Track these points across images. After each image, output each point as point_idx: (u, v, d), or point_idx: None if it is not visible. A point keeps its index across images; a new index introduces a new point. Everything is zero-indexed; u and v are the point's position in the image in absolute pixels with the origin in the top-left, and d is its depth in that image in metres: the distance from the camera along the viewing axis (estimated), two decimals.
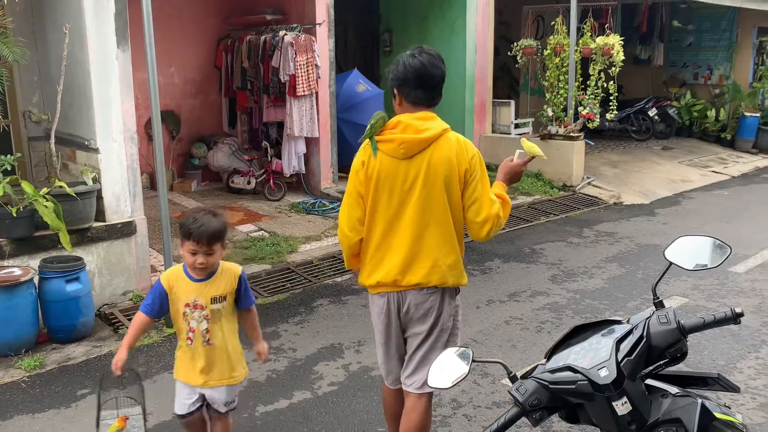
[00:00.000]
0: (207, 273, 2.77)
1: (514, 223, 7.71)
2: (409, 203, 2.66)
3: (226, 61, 8.87)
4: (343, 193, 2.97)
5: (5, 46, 4.67)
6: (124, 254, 5.25)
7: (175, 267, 2.85)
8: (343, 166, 8.90)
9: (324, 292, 5.64)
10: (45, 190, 4.74)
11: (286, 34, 7.82)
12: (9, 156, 4.77)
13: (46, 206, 4.61)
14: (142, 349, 4.54)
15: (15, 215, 4.63)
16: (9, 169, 4.79)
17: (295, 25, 7.99)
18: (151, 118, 4.95)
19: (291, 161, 8.23)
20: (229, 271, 2.85)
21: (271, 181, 8.25)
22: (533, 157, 2.89)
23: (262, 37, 8.15)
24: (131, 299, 5.26)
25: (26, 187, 4.63)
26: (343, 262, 6.27)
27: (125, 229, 5.24)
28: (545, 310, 5.16)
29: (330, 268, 6.14)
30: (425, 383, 2.52)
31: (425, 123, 2.66)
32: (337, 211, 7.77)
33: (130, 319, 4.96)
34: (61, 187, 4.78)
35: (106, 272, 5.16)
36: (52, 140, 5.16)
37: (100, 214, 5.16)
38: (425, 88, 2.67)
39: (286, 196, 8.31)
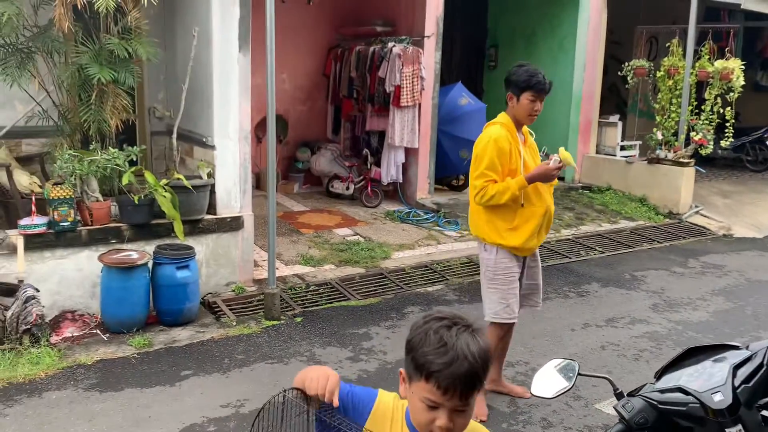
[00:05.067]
0: None
1: (614, 248, 7.47)
2: None
3: (334, 69, 9.14)
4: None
5: (141, 46, 5.05)
6: (231, 247, 5.51)
7: (396, 402, 1.60)
8: (440, 178, 8.95)
9: (415, 299, 5.68)
10: (164, 181, 5.07)
11: (394, 46, 7.98)
12: (135, 148, 5.14)
13: (164, 196, 4.93)
14: (242, 338, 4.75)
15: (136, 203, 4.98)
16: (134, 159, 5.16)
17: (404, 37, 8.14)
18: (262, 120, 5.21)
19: (390, 170, 8.36)
20: None
21: (369, 188, 8.41)
22: (564, 165, 3.54)
23: (371, 48, 8.34)
24: (233, 290, 5.51)
25: (148, 177, 4.97)
26: (434, 272, 6.33)
27: (233, 224, 5.51)
28: (644, 339, 4.98)
29: (421, 277, 6.19)
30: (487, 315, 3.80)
31: None
32: (431, 221, 7.83)
33: (231, 309, 5.22)
34: (179, 179, 5.10)
35: (213, 263, 5.44)
36: (174, 135, 5.52)
37: (212, 208, 5.45)
38: None
39: (382, 204, 8.44)
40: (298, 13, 8.83)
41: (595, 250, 7.35)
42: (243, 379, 4.16)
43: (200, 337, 4.77)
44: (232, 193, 5.52)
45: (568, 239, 7.61)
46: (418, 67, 7.96)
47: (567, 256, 7.04)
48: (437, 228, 7.66)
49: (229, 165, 5.49)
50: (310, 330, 4.92)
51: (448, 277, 6.23)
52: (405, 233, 7.43)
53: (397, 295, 5.76)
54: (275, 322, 5.01)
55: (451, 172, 9.11)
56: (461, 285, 6.09)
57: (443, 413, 1.42)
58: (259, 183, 8.42)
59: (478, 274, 6.36)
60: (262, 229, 6.31)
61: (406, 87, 7.91)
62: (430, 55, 8.27)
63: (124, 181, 4.87)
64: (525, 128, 3.75)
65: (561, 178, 9.35)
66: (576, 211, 8.71)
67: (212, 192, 5.42)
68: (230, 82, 5.42)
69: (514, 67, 3.63)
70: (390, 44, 8.07)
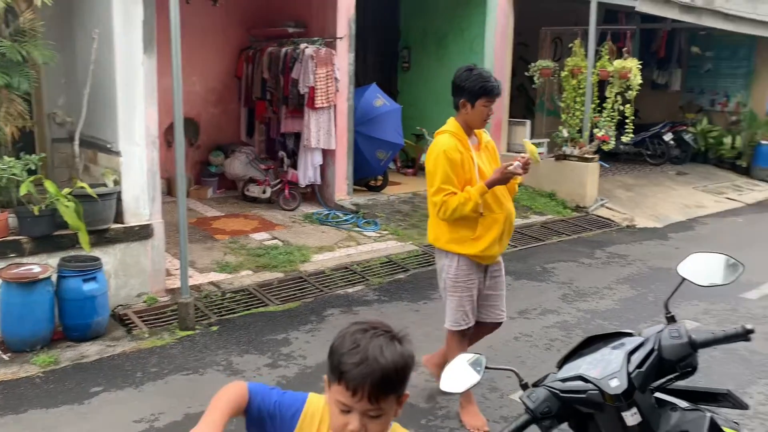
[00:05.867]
0: None
1: (526, 242, 7.73)
2: None
3: (246, 71, 9.00)
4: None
5: (36, 49, 4.79)
6: (141, 256, 5.32)
7: (326, 404, 1.56)
8: (358, 179, 8.98)
9: (335, 302, 5.68)
10: (67, 190, 4.83)
11: (307, 47, 7.94)
12: (33, 156, 4.88)
13: (67, 206, 4.69)
14: (155, 350, 4.59)
15: (36, 214, 4.72)
16: (33, 168, 4.89)
17: (316, 39, 8.11)
18: (171, 124, 5.05)
19: (307, 172, 8.31)
20: None
21: (287, 190, 8.33)
22: (525, 169, 3.42)
23: (284, 49, 8.27)
24: (145, 301, 5.32)
25: (49, 186, 4.73)
26: (354, 273, 6.35)
27: (143, 232, 5.32)
28: (555, 328, 5.18)
29: (342, 279, 6.18)
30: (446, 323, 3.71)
31: None
32: (351, 223, 7.84)
33: (143, 321, 5.04)
34: (82, 188, 4.88)
35: (122, 273, 5.24)
36: (76, 142, 5.27)
37: (119, 216, 5.24)
38: None
39: (300, 207, 8.38)
40: (206, 14, 8.63)
41: (508, 244, 7.56)
42: (157, 392, 4.03)
43: (110, 351, 4.58)
44: (141, 200, 5.33)
45: None
46: (331, 68, 7.95)
47: None
48: (357, 229, 7.67)
49: (136, 171, 5.30)
50: (227, 338, 4.82)
51: (368, 278, 6.26)
52: (324, 235, 7.40)
53: (317, 299, 5.73)
54: (190, 332, 4.88)
55: (368, 173, 9.16)
56: (381, 285, 6.13)
57: (355, 417, 1.41)
58: (170, 189, 8.18)
59: (398, 273, 6.49)
60: (174, 236, 6.12)
61: (321, 88, 7.89)
62: (344, 57, 8.28)
63: (22, 191, 4.60)
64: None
65: None
66: None
67: (119, 200, 5.21)
68: (135, 86, 5.23)
69: (463, 72, 3.48)
70: (302, 45, 8.02)
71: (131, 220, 5.31)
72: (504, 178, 3.42)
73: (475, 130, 3.60)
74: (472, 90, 3.42)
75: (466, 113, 3.49)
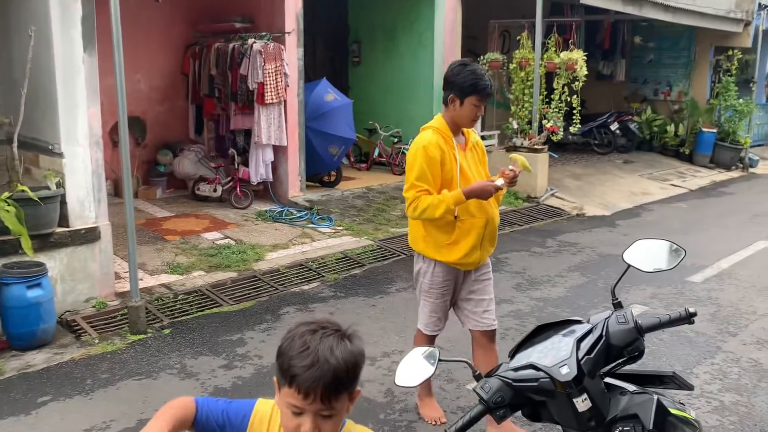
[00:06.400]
0: None
1: None
2: None
3: (193, 68, 8.82)
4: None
5: None
6: (88, 260, 5.17)
7: (274, 408, 1.59)
8: (311, 175, 8.92)
9: (291, 299, 5.63)
10: (6, 194, 4.66)
11: (254, 42, 7.83)
12: None
13: (7, 211, 4.53)
14: (106, 356, 4.47)
15: None
16: None
17: (264, 34, 8.00)
18: (116, 123, 4.91)
19: (258, 169, 8.21)
20: None
21: (238, 188, 8.21)
22: (513, 182, 3.29)
23: (231, 45, 8.13)
24: (94, 306, 5.17)
25: None
26: (310, 270, 6.30)
27: (89, 235, 5.17)
28: (509, 317, 5.25)
29: (297, 276, 6.14)
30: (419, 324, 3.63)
31: None
32: (305, 219, 7.78)
33: (93, 326, 4.90)
34: (23, 191, 4.70)
35: (69, 278, 5.08)
36: (15, 144, 5.07)
37: (64, 220, 5.08)
38: None
39: (252, 204, 8.27)
40: (149, 10, 8.41)
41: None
42: (108, 399, 3.92)
43: (58, 359, 4.44)
44: (86, 202, 5.18)
45: None
46: (280, 63, 7.86)
47: None
48: (311, 225, 7.63)
49: (80, 173, 5.14)
50: (180, 341, 4.73)
51: (323, 274, 6.22)
52: (278, 233, 7.33)
53: (272, 297, 5.67)
54: (141, 336, 4.77)
55: (321, 168, 9.10)
56: (337, 281, 6.11)
57: (307, 419, 1.40)
58: (117, 190, 7.97)
59: (353, 268, 6.48)
60: (122, 239, 5.96)
61: (270, 84, 7.79)
62: (293, 52, 8.19)
63: None
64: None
65: None
66: None
67: (63, 203, 5.04)
68: (76, 85, 5.06)
69: (456, 66, 3.31)
70: (250, 41, 7.90)
71: (77, 223, 5.15)
72: (484, 194, 3.26)
73: (464, 129, 3.44)
74: (463, 86, 3.25)
75: (454, 110, 3.31)
